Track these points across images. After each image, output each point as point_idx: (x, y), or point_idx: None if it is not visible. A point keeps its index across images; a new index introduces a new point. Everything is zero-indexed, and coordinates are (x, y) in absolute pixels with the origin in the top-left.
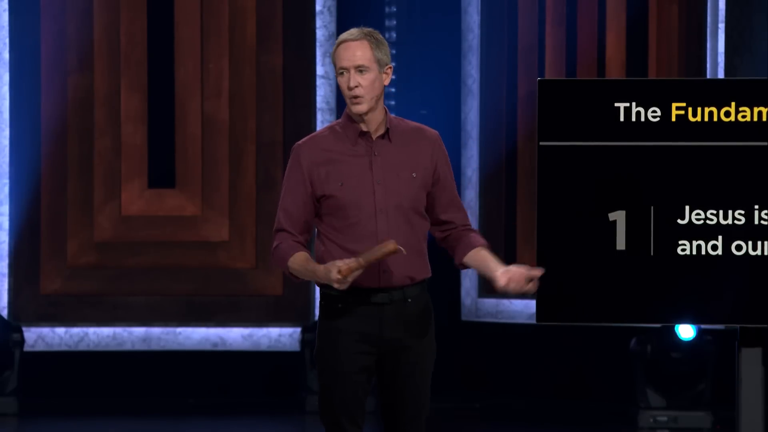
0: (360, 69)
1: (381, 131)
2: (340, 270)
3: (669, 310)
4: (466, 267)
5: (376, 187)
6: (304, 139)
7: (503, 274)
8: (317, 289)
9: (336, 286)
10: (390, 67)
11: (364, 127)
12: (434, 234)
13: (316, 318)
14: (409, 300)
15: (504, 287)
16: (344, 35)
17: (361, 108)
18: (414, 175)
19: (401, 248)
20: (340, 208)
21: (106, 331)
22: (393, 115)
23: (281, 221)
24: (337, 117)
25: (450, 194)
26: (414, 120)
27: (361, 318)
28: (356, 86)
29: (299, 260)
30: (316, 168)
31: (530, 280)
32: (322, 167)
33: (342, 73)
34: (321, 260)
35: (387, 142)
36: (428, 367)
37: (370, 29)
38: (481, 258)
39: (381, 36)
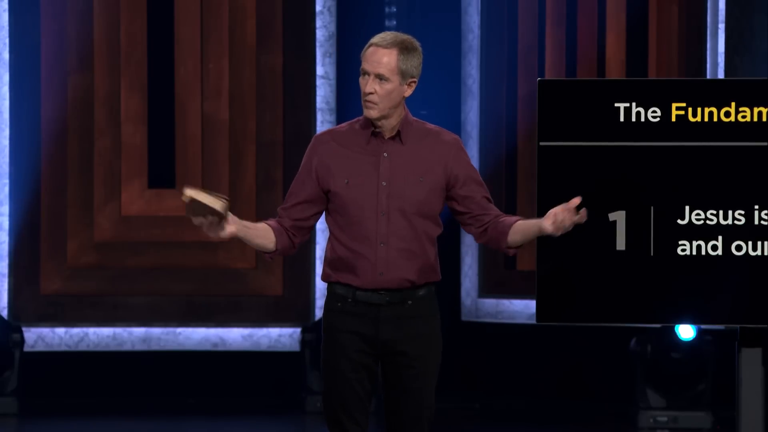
0: (380, 77)
1: (394, 133)
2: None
3: (669, 310)
4: (515, 246)
5: (380, 188)
6: (324, 131)
7: (547, 218)
8: (317, 289)
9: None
10: (414, 81)
11: (377, 128)
12: (471, 233)
13: (317, 318)
14: (409, 302)
15: (554, 228)
16: (377, 38)
17: (371, 113)
18: (422, 178)
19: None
20: (344, 206)
21: (106, 331)
22: (414, 117)
23: (280, 214)
24: (338, 117)
25: (479, 192)
26: None
27: (358, 318)
28: (371, 93)
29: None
30: (325, 161)
31: (573, 210)
32: (331, 161)
33: (363, 75)
34: (328, 257)
35: (399, 144)
36: (430, 370)
37: (407, 37)
38: (521, 227)
39: (416, 45)
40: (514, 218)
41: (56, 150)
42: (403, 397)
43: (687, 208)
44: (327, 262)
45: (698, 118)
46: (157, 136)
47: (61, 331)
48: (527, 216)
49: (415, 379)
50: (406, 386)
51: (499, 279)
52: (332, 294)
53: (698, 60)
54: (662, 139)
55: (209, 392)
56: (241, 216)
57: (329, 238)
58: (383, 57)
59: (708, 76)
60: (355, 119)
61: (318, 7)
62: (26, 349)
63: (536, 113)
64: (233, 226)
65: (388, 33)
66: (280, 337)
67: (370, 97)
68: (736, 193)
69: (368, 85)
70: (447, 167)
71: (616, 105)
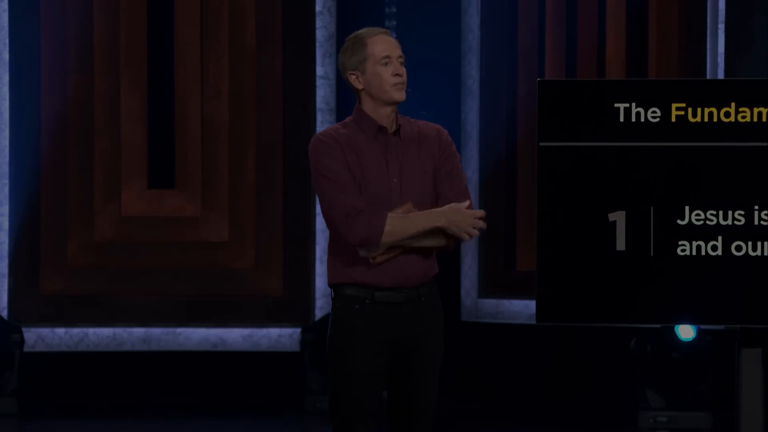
0: (400, 59)
1: (393, 128)
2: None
3: (669, 311)
4: None
5: (392, 184)
6: (322, 132)
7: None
8: (317, 289)
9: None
10: None
11: (381, 123)
12: None
13: (317, 318)
14: (423, 299)
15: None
16: (373, 30)
17: (403, 95)
18: (426, 171)
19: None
20: None
21: (106, 332)
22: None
23: (354, 203)
24: (338, 117)
25: (450, 189)
26: None
27: (379, 319)
28: (401, 74)
29: (398, 217)
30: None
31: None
32: (348, 155)
33: (385, 63)
34: (338, 257)
35: (399, 140)
36: (438, 364)
37: None
38: None
39: None
40: None
41: (56, 150)
42: (415, 392)
43: (687, 208)
44: (336, 263)
45: (698, 119)
46: (157, 136)
47: (61, 331)
48: (527, 217)
49: (426, 373)
50: (418, 381)
51: (499, 279)
52: (346, 297)
53: (698, 60)
54: (662, 139)
55: (209, 392)
56: (241, 216)
57: (335, 238)
58: (395, 42)
59: (708, 77)
60: (343, 122)
61: (318, 8)
62: (26, 349)
63: (536, 113)
64: None
65: (371, 28)
66: (280, 337)
67: (402, 79)
68: (736, 193)
69: (398, 67)
70: (440, 159)
71: (616, 105)
